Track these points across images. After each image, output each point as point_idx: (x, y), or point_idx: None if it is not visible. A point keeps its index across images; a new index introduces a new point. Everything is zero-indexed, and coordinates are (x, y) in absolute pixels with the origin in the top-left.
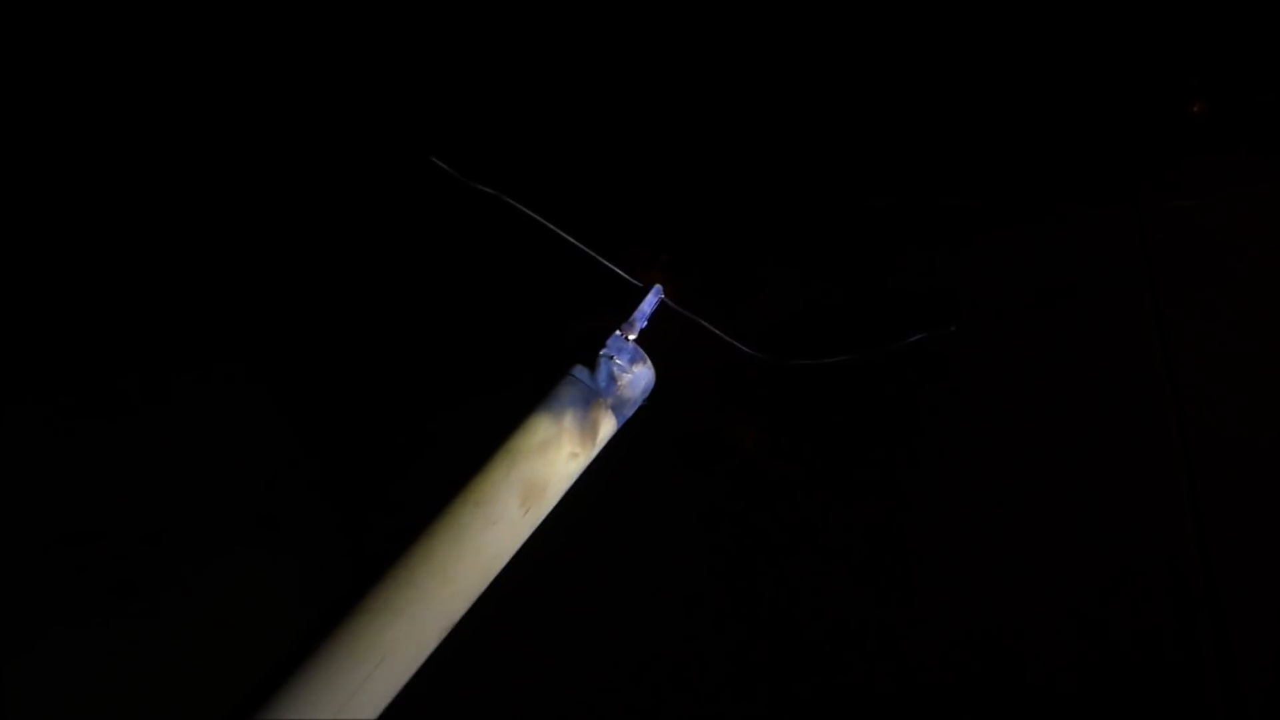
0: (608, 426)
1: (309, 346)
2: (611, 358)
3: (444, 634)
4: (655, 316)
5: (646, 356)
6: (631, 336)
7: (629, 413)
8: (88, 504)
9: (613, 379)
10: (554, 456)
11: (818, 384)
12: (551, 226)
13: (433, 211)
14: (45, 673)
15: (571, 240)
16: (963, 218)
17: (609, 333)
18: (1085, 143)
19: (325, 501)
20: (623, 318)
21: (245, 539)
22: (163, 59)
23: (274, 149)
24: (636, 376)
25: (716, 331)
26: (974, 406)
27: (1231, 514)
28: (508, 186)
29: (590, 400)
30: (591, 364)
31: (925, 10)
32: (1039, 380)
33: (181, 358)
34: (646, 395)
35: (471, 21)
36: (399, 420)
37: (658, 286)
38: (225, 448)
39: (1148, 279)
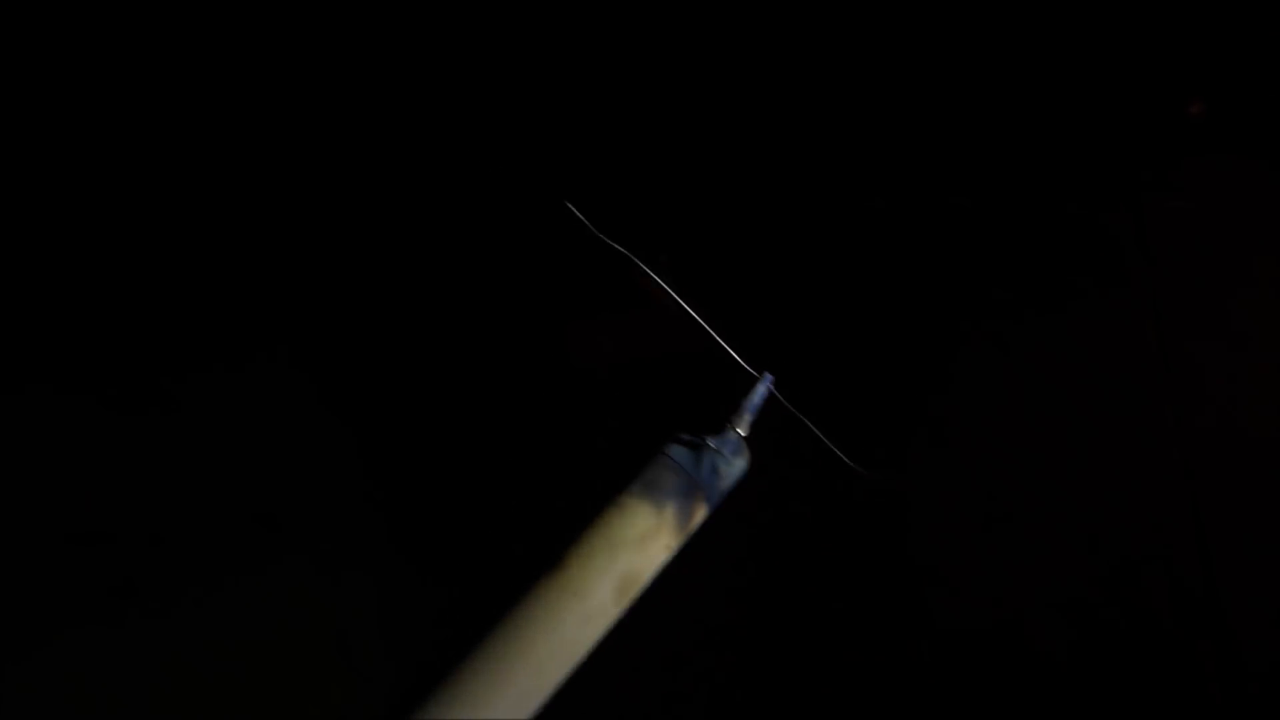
0: (700, 516)
1: (339, 349)
2: (719, 451)
3: None
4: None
5: (747, 448)
6: (741, 431)
7: (718, 502)
8: (91, 504)
9: (714, 470)
10: (651, 550)
11: (815, 386)
12: (674, 294)
13: (554, 257)
14: (46, 673)
15: (690, 311)
16: (962, 218)
17: (709, 414)
18: (1085, 143)
19: (328, 502)
20: (720, 400)
21: (248, 540)
22: (237, 58)
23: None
24: (735, 468)
25: (822, 437)
26: (973, 407)
27: (1231, 512)
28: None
29: (691, 492)
30: (694, 449)
31: (924, 10)
32: (1039, 379)
33: (183, 357)
34: (737, 485)
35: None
36: (411, 409)
37: (769, 376)
38: (228, 448)
39: (1148, 279)
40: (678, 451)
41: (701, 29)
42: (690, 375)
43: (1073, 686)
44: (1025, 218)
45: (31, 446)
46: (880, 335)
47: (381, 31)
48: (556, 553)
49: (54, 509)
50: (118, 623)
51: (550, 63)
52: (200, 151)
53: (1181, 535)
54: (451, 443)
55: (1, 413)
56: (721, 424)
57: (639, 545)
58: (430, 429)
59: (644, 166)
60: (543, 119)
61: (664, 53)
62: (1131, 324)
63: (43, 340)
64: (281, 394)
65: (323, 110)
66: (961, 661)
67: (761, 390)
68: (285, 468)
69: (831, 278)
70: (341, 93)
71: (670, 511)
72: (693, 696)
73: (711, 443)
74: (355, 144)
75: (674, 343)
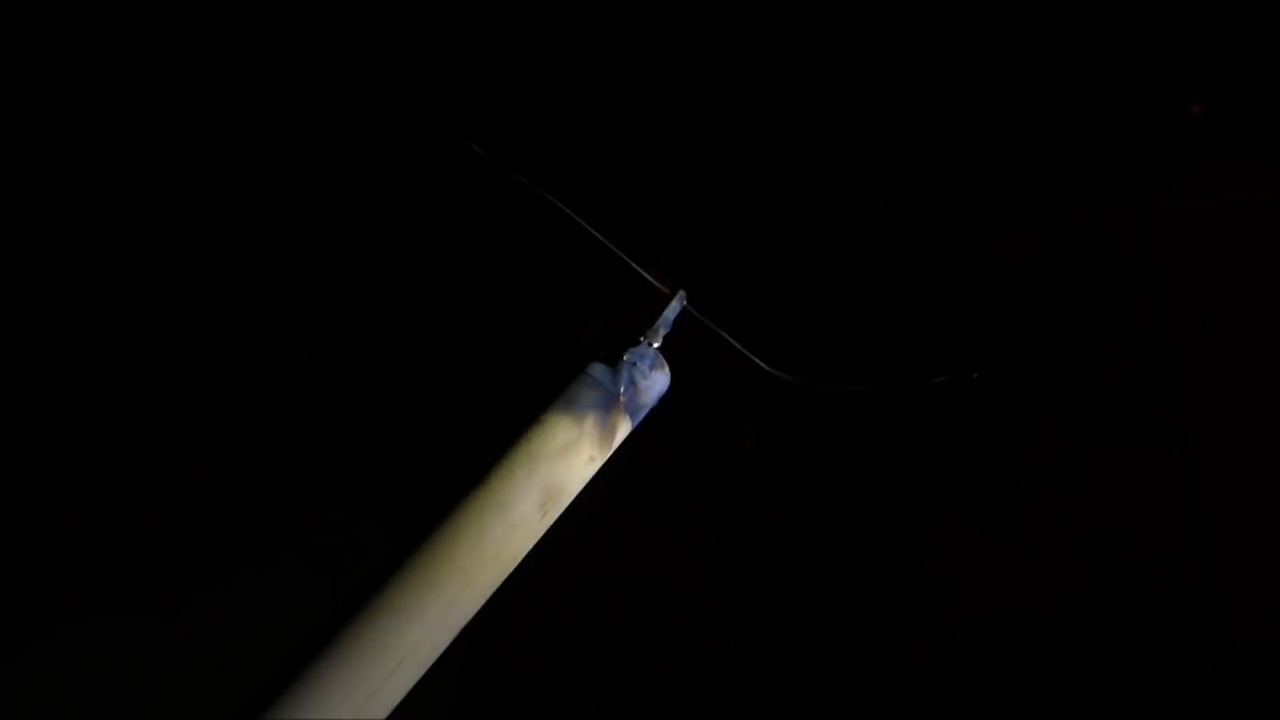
0: (623, 430)
1: (326, 338)
2: (634, 364)
3: (454, 636)
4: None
5: (665, 363)
6: (655, 344)
7: (642, 416)
8: (90, 504)
9: (633, 383)
10: (574, 460)
11: (812, 386)
12: (581, 222)
13: (462, 197)
14: (46, 673)
15: (600, 238)
16: (962, 217)
17: (627, 333)
18: (1085, 142)
19: (329, 502)
20: (639, 317)
21: (248, 540)
22: (183, 44)
23: (295, 125)
24: (655, 382)
25: (737, 345)
26: (973, 405)
27: (1231, 511)
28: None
29: (610, 404)
30: (612, 365)
31: (924, 9)
32: (1037, 379)
33: (182, 357)
34: (659, 401)
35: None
36: (412, 409)
37: (682, 293)
38: (228, 448)
39: (1148, 279)
40: (595, 369)
41: (701, 26)
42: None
43: (1073, 686)
44: (1026, 217)
45: (31, 446)
46: (880, 334)
47: (383, 29)
48: (481, 469)
49: (53, 509)
50: (118, 622)
51: (551, 57)
52: (198, 149)
53: (1182, 535)
54: (451, 444)
55: (1, 412)
56: (637, 341)
57: (560, 457)
58: (430, 429)
59: (644, 167)
60: (545, 116)
61: (663, 51)
62: (1131, 323)
63: (42, 340)
64: (281, 394)
65: (323, 108)
66: (961, 661)
67: (675, 305)
68: (285, 468)
69: (829, 275)
70: (342, 91)
71: (590, 424)
72: (689, 696)
73: (627, 356)
74: (355, 143)
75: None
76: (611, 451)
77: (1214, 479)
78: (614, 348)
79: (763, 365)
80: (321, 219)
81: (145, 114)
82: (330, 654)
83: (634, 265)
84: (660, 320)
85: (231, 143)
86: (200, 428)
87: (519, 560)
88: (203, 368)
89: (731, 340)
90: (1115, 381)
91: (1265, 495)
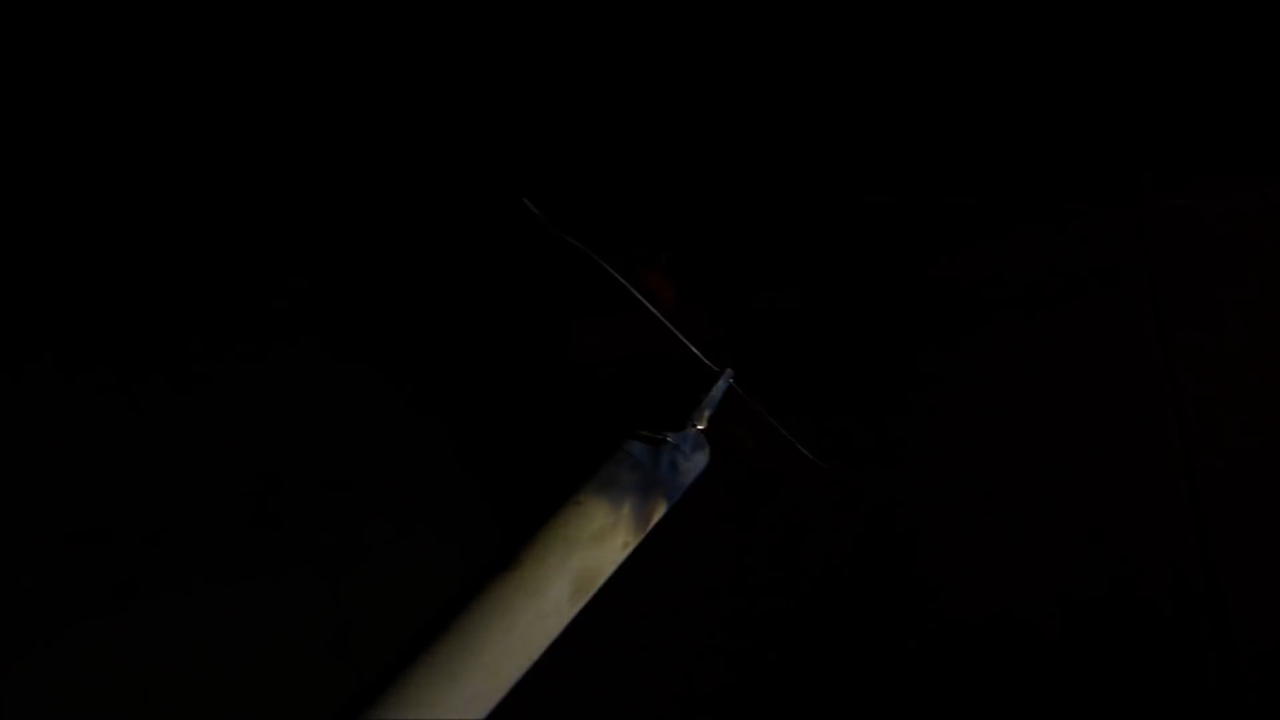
0: (659, 513)
1: (326, 338)
2: (677, 445)
3: None
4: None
5: (706, 443)
6: (700, 425)
7: (678, 498)
8: (90, 503)
9: (674, 467)
10: (609, 546)
11: (816, 386)
12: (631, 289)
13: (515, 248)
14: (45, 672)
15: (650, 308)
16: (962, 216)
17: (671, 408)
18: (1085, 141)
19: (329, 502)
20: (687, 394)
21: (247, 539)
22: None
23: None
24: (695, 463)
25: (783, 431)
26: (975, 406)
27: (1232, 511)
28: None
29: (650, 488)
30: (653, 445)
31: (926, 8)
32: (1039, 378)
33: (183, 356)
34: (697, 480)
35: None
36: (412, 409)
37: (729, 372)
38: (228, 448)
39: (1148, 278)
40: (636, 448)
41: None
42: (651, 372)
43: (1073, 686)
44: (1026, 217)
45: (31, 446)
46: (879, 333)
47: (391, 35)
48: (511, 550)
49: (54, 508)
50: (118, 622)
51: (554, 52)
52: (204, 143)
53: (1182, 534)
54: (450, 444)
55: (1, 412)
56: (681, 419)
57: (596, 543)
58: (429, 429)
59: (644, 167)
60: (552, 113)
61: (664, 52)
62: (1131, 323)
63: (42, 341)
64: (282, 394)
65: (336, 104)
66: (961, 661)
67: (721, 385)
68: (286, 468)
69: (828, 273)
70: (348, 91)
71: (628, 508)
72: (688, 697)
73: (670, 438)
74: (367, 139)
75: (637, 339)
76: (646, 534)
77: (1215, 478)
78: (654, 425)
79: (806, 452)
80: (329, 220)
81: (158, 100)
82: None
83: (685, 340)
84: (706, 400)
85: (246, 138)
86: (201, 428)
87: (545, 649)
88: (204, 369)
89: (776, 424)
90: (1115, 379)
91: (1266, 494)
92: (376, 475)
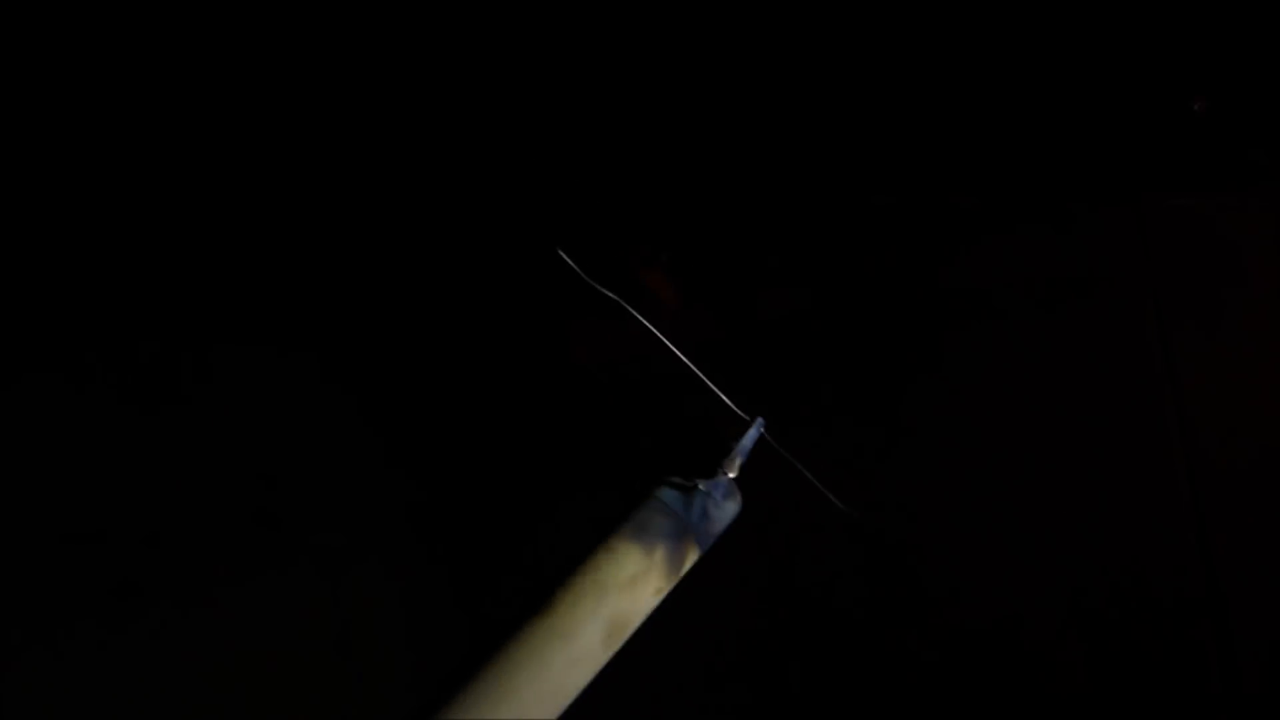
0: (691, 559)
1: (327, 339)
2: (708, 493)
3: None
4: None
5: (738, 491)
6: (732, 474)
7: (709, 545)
8: (89, 504)
9: (705, 514)
10: (641, 592)
11: (816, 387)
12: (664, 340)
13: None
14: (45, 673)
15: (682, 357)
16: (964, 217)
17: (696, 453)
18: (1086, 141)
19: (329, 502)
20: (712, 439)
21: (248, 540)
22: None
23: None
24: (726, 511)
25: (811, 479)
26: (976, 406)
27: (1232, 511)
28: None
29: (682, 535)
30: (686, 492)
31: (927, 8)
32: (1040, 378)
33: (183, 356)
34: (728, 526)
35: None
36: (413, 410)
37: (760, 420)
38: (229, 448)
39: (1148, 277)
40: (668, 494)
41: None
42: (680, 417)
43: (1075, 686)
44: (1027, 217)
45: (30, 445)
46: (879, 333)
47: (403, 40)
48: (544, 595)
49: (53, 509)
50: (118, 623)
51: (555, 52)
52: (210, 146)
53: (1183, 534)
54: (452, 445)
55: (0, 414)
56: (712, 467)
57: (629, 588)
58: (431, 430)
59: (645, 167)
60: (558, 114)
61: (665, 53)
62: (1132, 323)
63: (42, 341)
64: (282, 394)
65: (341, 111)
66: (965, 662)
67: (753, 434)
68: (286, 467)
69: (829, 274)
70: (353, 97)
71: (660, 555)
72: (688, 697)
73: (702, 486)
74: (374, 147)
75: (665, 385)
76: (678, 581)
77: (1215, 478)
78: (685, 471)
79: (838, 503)
80: (332, 224)
81: (161, 105)
82: None
83: (714, 388)
84: (737, 449)
85: (254, 143)
86: (201, 428)
87: (577, 695)
88: (205, 369)
89: (808, 474)
90: (1116, 379)
91: (1267, 493)
92: (377, 475)
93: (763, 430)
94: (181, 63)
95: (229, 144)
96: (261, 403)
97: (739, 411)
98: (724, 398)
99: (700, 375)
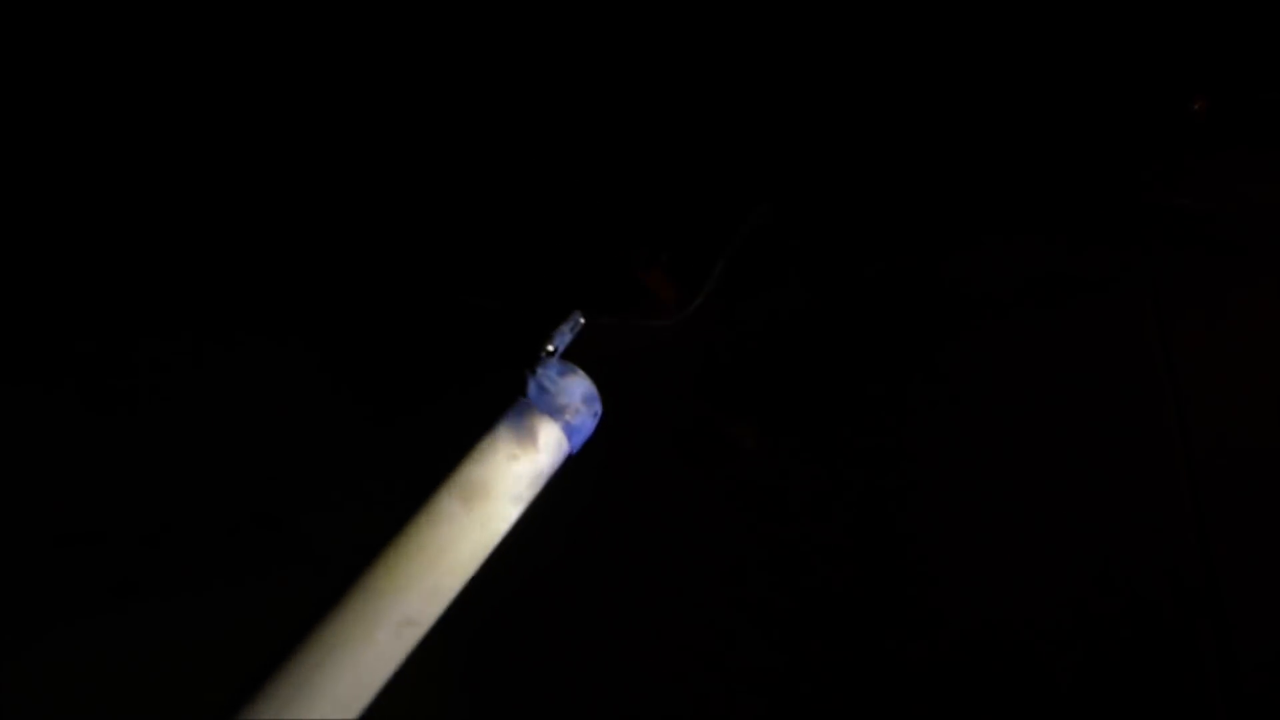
0: (550, 430)
1: (327, 339)
2: (534, 372)
3: (416, 637)
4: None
5: (577, 369)
6: (551, 348)
7: (581, 421)
8: (88, 504)
9: (543, 389)
10: (490, 459)
11: (817, 386)
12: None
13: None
14: (45, 673)
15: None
16: (964, 217)
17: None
18: (1087, 141)
19: (330, 502)
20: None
21: (247, 539)
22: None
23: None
24: (570, 385)
25: (624, 319)
26: (976, 406)
27: (1232, 511)
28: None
29: (523, 410)
30: (520, 379)
31: (929, 9)
32: (1040, 378)
33: (183, 356)
34: (593, 405)
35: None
36: (414, 411)
37: (577, 312)
38: (228, 448)
39: (1149, 276)
40: (504, 382)
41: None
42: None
43: (1075, 687)
44: (1028, 218)
45: (28, 447)
46: (879, 333)
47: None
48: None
49: (53, 509)
50: (118, 622)
51: (556, 52)
52: (206, 146)
53: (1183, 534)
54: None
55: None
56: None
57: (476, 459)
58: (433, 429)
59: (646, 167)
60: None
61: (667, 53)
62: (1132, 323)
63: (42, 341)
64: (283, 393)
65: (330, 106)
66: (963, 664)
67: (570, 323)
68: (285, 468)
69: (829, 274)
70: (346, 94)
71: (503, 428)
72: (687, 697)
73: (527, 373)
74: (370, 143)
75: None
76: (545, 451)
77: (1215, 478)
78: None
79: (646, 322)
80: (331, 221)
81: (152, 103)
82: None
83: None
84: (555, 335)
85: (250, 142)
86: (202, 428)
87: (465, 559)
88: (204, 369)
89: (615, 319)
90: (1116, 379)
91: (1266, 495)
92: (378, 475)
93: (581, 320)
94: (174, 59)
95: (229, 144)
96: (262, 402)
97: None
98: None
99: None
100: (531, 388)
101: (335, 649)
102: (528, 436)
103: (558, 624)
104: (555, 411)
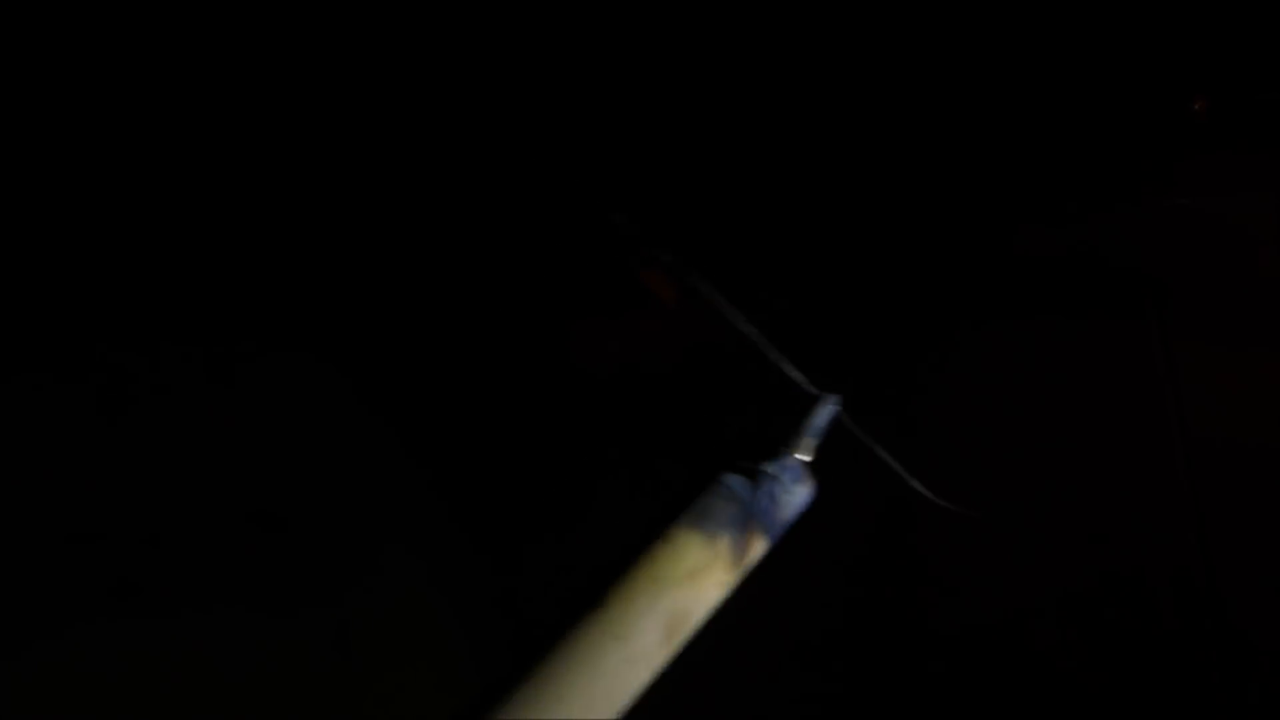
0: (758, 550)
1: (327, 339)
2: (775, 477)
3: None
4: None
5: (809, 475)
6: (803, 457)
7: (779, 534)
8: (88, 504)
9: (773, 500)
10: (702, 585)
11: (816, 385)
12: (728, 310)
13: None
14: (45, 673)
15: (746, 327)
16: (963, 217)
17: (768, 439)
18: (1085, 140)
19: (331, 502)
20: (783, 420)
21: (248, 539)
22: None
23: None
24: (796, 496)
25: (893, 464)
26: (974, 405)
27: (1234, 511)
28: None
29: (747, 523)
30: (751, 476)
31: (927, 8)
32: (1040, 378)
33: (183, 356)
34: (799, 514)
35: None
36: (414, 411)
37: (836, 398)
38: (229, 447)
39: (1148, 278)
40: (732, 479)
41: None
42: (743, 396)
43: (1076, 686)
44: (1027, 217)
45: (28, 447)
46: (879, 334)
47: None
48: (598, 590)
49: (53, 509)
50: (118, 622)
51: (557, 52)
52: (207, 145)
53: (1184, 534)
54: (458, 445)
55: (1, 412)
56: (780, 449)
57: (689, 581)
58: (438, 429)
59: (646, 167)
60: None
61: (666, 54)
62: (1132, 323)
63: (42, 341)
64: (283, 393)
65: (336, 107)
66: (964, 662)
67: (826, 413)
68: (287, 468)
69: (829, 274)
70: (355, 93)
71: (724, 545)
72: (686, 697)
73: (769, 469)
74: (373, 141)
75: (725, 361)
76: (744, 574)
77: (1216, 478)
78: (751, 455)
79: (919, 487)
80: (333, 218)
81: (158, 103)
82: None
83: (784, 364)
84: (809, 428)
85: (252, 140)
86: (202, 428)
87: (636, 696)
88: (204, 368)
89: (886, 457)
90: (1117, 379)
91: (1266, 494)
92: (378, 475)
93: (838, 409)
94: (171, 60)
95: (231, 145)
96: (263, 401)
97: (809, 387)
98: (793, 372)
99: (768, 347)
100: (762, 495)
101: None
102: (740, 559)
103: None
104: (773, 528)
